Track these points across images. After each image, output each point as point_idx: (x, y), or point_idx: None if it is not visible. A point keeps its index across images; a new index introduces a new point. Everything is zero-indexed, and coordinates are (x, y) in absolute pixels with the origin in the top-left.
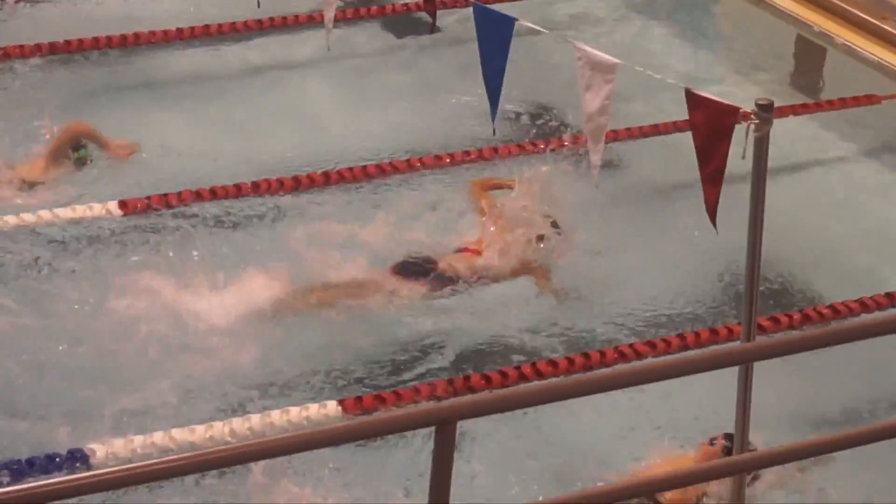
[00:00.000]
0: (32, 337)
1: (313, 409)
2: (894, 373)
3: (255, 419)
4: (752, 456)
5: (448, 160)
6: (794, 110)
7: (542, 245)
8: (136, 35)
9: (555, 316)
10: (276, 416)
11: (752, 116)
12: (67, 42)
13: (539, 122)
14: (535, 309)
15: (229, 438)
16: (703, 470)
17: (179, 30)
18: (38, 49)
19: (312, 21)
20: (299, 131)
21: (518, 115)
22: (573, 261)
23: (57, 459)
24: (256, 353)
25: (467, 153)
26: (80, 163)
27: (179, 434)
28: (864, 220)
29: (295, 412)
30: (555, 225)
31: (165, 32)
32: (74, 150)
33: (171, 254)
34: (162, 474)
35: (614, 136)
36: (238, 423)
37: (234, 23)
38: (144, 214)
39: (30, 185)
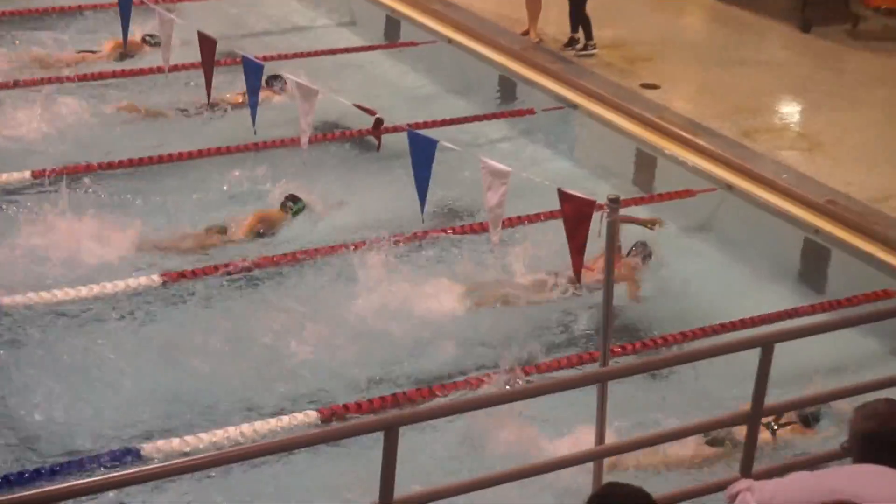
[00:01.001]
0: None
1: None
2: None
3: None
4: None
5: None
6: (635, 201)
7: (643, 266)
8: None
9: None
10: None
11: (605, 207)
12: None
13: (454, 212)
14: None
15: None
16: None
17: None
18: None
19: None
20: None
21: (442, 207)
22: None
23: None
24: None
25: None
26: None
27: None
28: (676, 276)
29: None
30: (648, 255)
31: None
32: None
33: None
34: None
35: (509, 222)
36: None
37: None
38: None
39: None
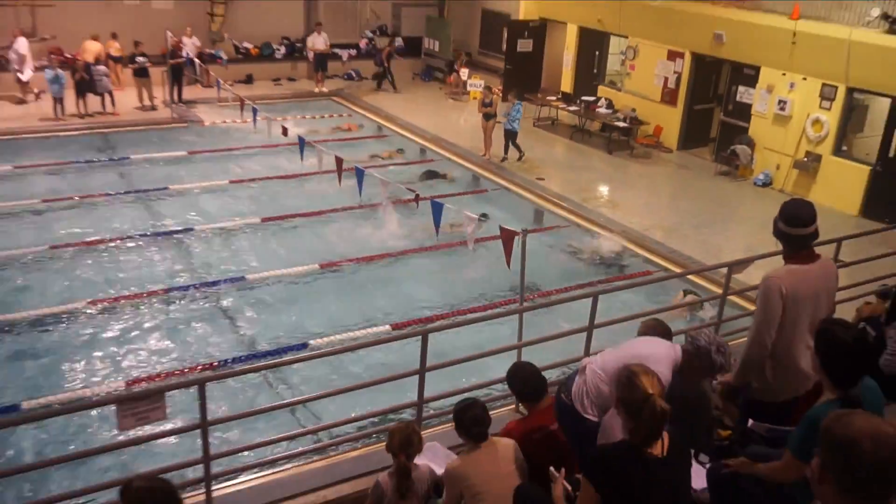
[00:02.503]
0: None
1: None
2: None
3: None
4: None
5: None
6: (534, 230)
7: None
8: None
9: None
10: None
11: (521, 233)
12: None
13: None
14: None
15: None
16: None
17: None
18: None
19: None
20: None
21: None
22: None
23: None
24: None
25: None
26: None
27: None
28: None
29: None
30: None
31: None
32: None
33: None
34: None
35: (478, 240)
36: None
37: None
38: None
39: None
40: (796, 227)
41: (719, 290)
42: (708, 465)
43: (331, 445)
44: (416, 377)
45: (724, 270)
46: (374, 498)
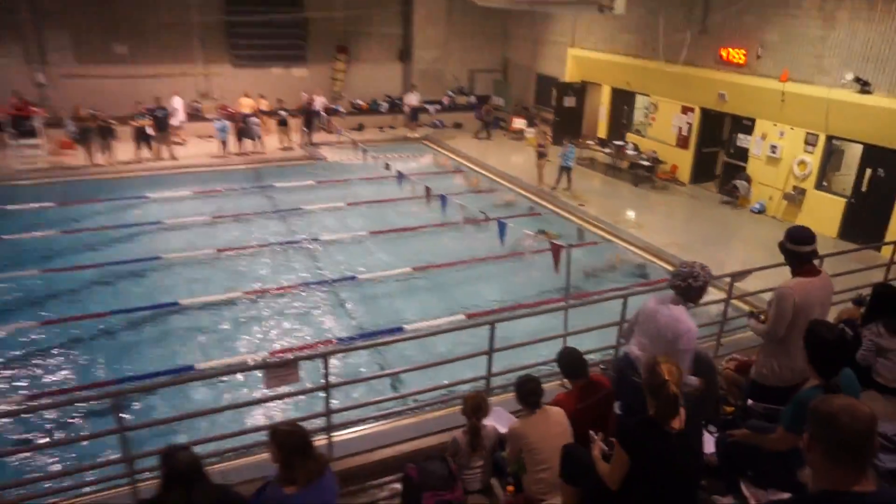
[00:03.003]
0: None
1: None
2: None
3: None
4: None
5: None
6: (577, 245)
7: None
8: None
9: None
10: None
11: (565, 247)
12: None
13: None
14: None
15: None
16: None
17: None
18: None
19: None
20: None
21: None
22: None
23: None
24: None
25: None
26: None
27: None
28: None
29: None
30: None
31: None
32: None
33: None
34: None
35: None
36: None
37: None
38: None
39: None
40: (800, 245)
41: (724, 295)
42: (716, 435)
43: (419, 407)
44: (486, 357)
45: (728, 279)
46: (452, 450)
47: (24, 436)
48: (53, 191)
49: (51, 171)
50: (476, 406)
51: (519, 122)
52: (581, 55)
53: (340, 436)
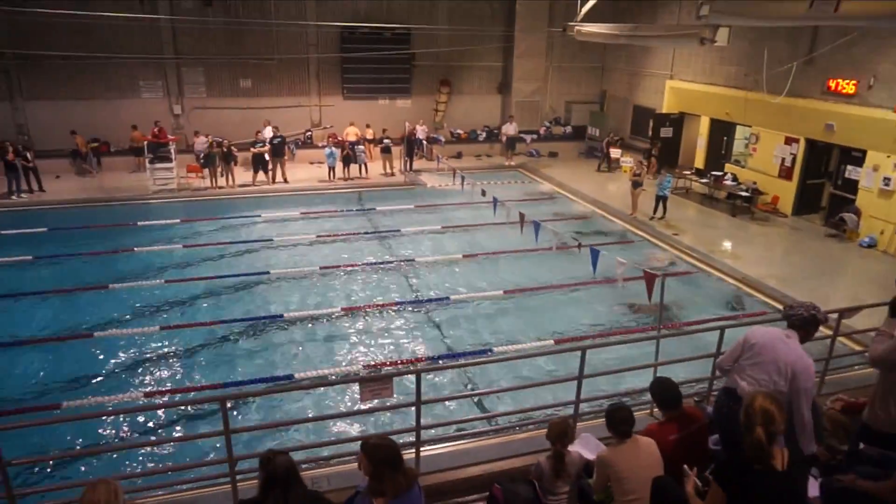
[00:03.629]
0: None
1: None
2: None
3: None
4: None
5: None
6: (671, 274)
7: None
8: None
9: None
10: None
11: (660, 275)
12: None
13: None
14: None
15: None
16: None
17: None
18: None
19: None
20: None
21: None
22: None
23: None
24: None
25: None
26: None
27: None
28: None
29: None
30: None
31: None
32: None
33: None
34: None
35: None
36: None
37: None
38: None
39: None
40: None
41: (829, 332)
42: (820, 479)
43: (505, 428)
44: (575, 382)
45: (836, 315)
46: (536, 475)
47: (126, 432)
48: (179, 209)
49: (178, 191)
50: (561, 432)
51: (615, 152)
52: (679, 86)
53: (429, 451)
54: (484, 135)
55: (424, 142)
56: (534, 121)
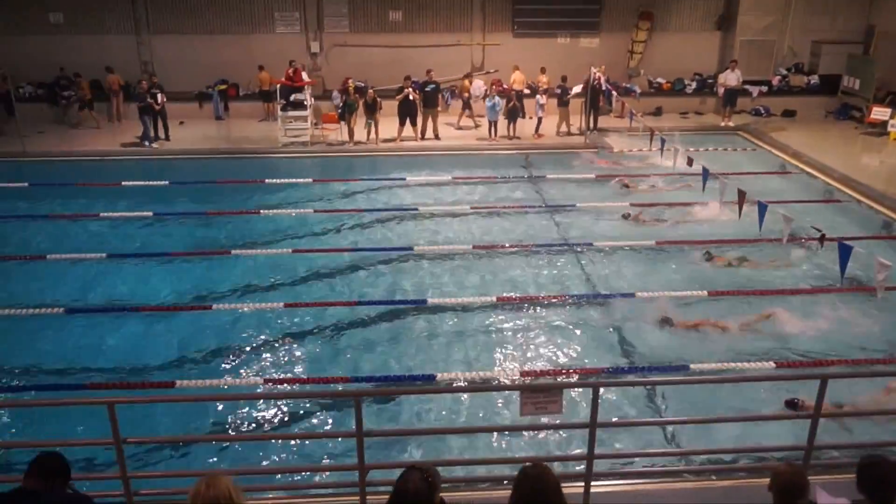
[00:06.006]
0: None
1: None
2: None
3: None
4: None
5: None
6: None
7: None
8: None
9: None
10: None
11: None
12: None
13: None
14: None
15: None
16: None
17: None
18: None
19: None
20: None
21: None
22: None
23: None
24: None
25: None
26: None
27: None
28: None
29: None
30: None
31: None
32: None
33: None
34: None
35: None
36: None
37: None
38: None
39: None
40: None
41: None
42: None
43: (704, 471)
44: (808, 421)
45: None
46: None
47: (237, 421)
48: (312, 166)
49: (312, 145)
50: (790, 485)
51: (880, 112)
52: None
53: (601, 487)
54: (694, 85)
55: (614, 93)
56: (765, 68)
